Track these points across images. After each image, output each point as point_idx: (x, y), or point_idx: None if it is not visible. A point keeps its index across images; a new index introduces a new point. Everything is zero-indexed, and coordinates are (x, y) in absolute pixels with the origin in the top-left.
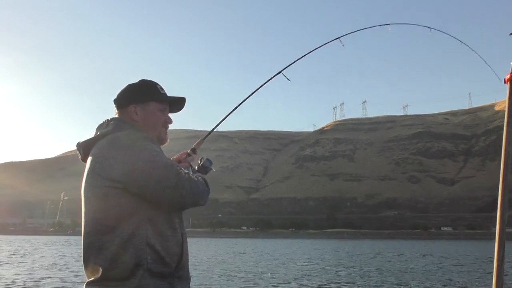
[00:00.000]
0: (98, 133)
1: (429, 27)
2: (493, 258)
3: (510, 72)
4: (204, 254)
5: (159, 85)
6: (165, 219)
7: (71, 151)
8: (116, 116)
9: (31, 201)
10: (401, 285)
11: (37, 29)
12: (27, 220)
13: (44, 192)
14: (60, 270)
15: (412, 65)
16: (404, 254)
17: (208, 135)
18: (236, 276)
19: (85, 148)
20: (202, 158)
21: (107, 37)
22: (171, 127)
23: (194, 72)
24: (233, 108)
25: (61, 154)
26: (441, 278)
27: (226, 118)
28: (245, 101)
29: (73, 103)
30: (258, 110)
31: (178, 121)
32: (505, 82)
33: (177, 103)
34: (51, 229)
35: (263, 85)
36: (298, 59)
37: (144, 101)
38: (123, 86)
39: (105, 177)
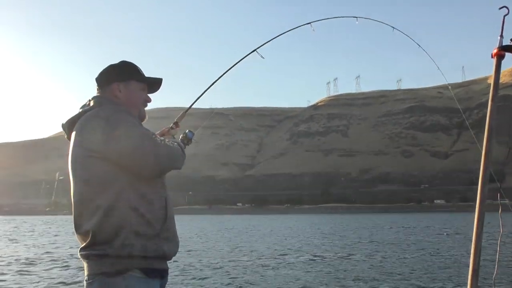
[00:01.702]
0: (81, 111)
1: (393, 27)
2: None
3: (497, 46)
4: (201, 231)
5: (138, 66)
6: (147, 184)
7: None
8: (97, 94)
9: (25, 181)
10: (389, 256)
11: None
12: (21, 200)
13: (39, 172)
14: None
15: (405, 38)
16: (396, 226)
17: (188, 110)
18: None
19: (69, 126)
20: (185, 131)
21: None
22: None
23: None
24: (208, 86)
25: (55, 134)
26: (427, 248)
27: (217, 95)
28: (220, 78)
29: (68, 81)
30: (253, 87)
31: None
32: (492, 57)
33: (155, 84)
34: (47, 209)
35: (236, 63)
36: (272, 39)
37: (126, 80)
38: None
39: (86, 147)
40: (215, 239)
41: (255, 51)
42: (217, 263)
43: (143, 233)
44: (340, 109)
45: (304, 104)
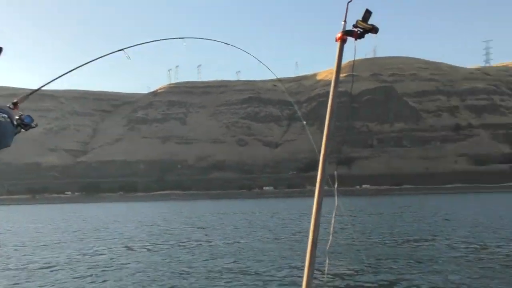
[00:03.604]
0: None
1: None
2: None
3: (341, 31)
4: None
5: None
6: None
7: None
8: None
9: None
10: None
11: None
12: None
13: None
14: None
15: (247, 32)
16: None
17: (33, 93)
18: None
19: None
20: (21, 114)
21: None
22: None
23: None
24: (63, 73)
25: None
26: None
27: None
28: (81, 66)
29: None
30: (89, 69)
31: None
32: (336, 41)
33: None
34: None
35: (100, 57)
36: (142, 43)
37: None
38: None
39: None
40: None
41: (122, 50)
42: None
43: None
44: (180, 97)
45: (144, 90)
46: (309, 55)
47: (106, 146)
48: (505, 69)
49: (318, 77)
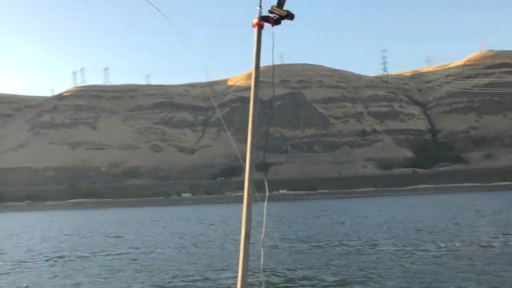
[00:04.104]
0: None
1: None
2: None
3: (257, 17)
4: None
5: None
6: None
7: None
8: None
9: None
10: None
11: None
12: None
13: None
14: None
15: (154, 34)
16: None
17: None
18: None
19: None
20: None
21: None
22: None
23: None
24: None
25: None
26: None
27: None
28: None
29: None
30: None
31: None
32: (253, 27)
33: None
34: None
35: None
36: None
37: None
38: None
39: None
40: None
41: None
42: None
43: None
44: (88, 101)
45: (47, 93)
46: (219, 60)
47: (9, 152)
48: (400, 77)
49: (229, 83)
